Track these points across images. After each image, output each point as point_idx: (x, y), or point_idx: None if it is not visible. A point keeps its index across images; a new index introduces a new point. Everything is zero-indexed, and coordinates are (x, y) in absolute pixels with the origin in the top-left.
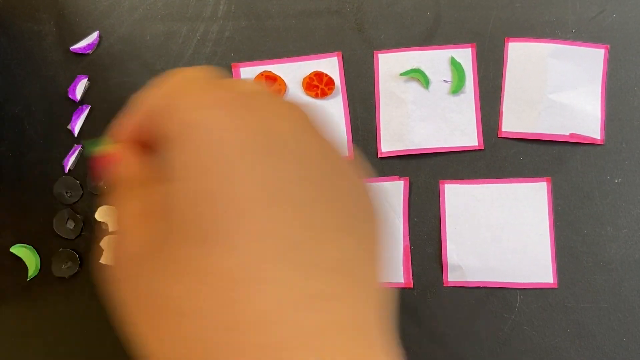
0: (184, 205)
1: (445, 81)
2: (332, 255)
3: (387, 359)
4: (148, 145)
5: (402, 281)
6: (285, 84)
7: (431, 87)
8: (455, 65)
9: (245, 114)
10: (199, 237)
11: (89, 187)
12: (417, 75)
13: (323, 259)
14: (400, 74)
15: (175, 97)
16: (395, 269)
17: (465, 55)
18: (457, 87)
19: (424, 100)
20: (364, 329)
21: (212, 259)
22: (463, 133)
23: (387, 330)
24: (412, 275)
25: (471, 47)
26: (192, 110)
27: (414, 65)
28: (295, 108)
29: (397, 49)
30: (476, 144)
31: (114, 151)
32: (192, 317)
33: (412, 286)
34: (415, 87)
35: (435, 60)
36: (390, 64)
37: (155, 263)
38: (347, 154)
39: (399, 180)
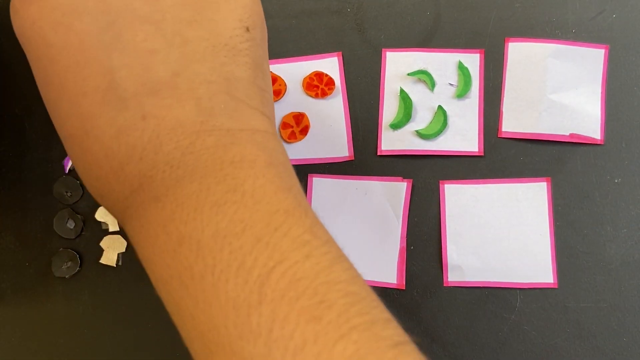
0: None
1: (451, 84)
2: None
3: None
4: None
5: (395, 282)
6: (285, 84)
7: (436, 89)
8: (462, 69)
9: None
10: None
11: None
12: (424, 77)
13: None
14: (408, 74)
15: None
16: (390, 270)
17: (473, 61)
18: (462, 92)
19: (428, 102)
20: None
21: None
22: (464, 138)
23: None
24: (412, 275)
25: (479, 52)
26: None
27: (421, 67)
28: None
29: (405, 49)
30: (476, 150)
31: None
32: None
33: (404, 287)
34: (420, 88)
35: (442, 63)
36: (397, 64)
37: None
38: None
39: (402, 181)
